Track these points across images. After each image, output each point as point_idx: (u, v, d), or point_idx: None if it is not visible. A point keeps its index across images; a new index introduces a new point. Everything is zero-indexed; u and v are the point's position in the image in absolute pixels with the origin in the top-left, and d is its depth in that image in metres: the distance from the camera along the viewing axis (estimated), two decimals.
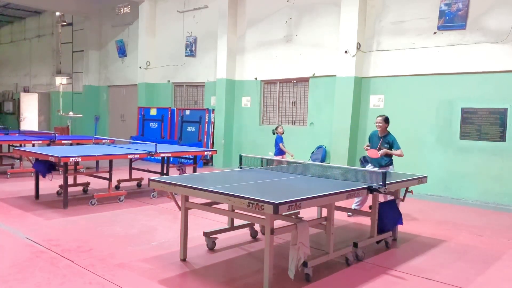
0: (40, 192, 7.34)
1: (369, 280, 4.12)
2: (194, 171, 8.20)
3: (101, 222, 5.87)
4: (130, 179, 8.56)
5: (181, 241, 4.51)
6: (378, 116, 6.59)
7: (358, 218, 6.54)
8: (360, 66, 9.74)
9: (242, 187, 4.35)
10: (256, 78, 12.00)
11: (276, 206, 3.38)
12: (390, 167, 6.40)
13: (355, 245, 4.64)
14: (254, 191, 4.02)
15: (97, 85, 17.31)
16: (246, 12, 12.14)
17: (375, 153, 6.32)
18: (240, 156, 5.86)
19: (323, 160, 10.14)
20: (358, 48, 9.60)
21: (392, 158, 6.48)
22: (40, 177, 7.21)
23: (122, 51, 16.08)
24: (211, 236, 4.92)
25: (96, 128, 17.05)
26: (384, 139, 6.44)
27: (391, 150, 6.39)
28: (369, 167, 6.51)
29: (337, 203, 4.85)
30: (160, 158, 8.15)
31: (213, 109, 12.60)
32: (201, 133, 12.77)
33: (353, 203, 6.55)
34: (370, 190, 4.48)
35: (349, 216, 6.63)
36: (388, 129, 6.55)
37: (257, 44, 11.88)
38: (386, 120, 6.49)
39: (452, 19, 8.48)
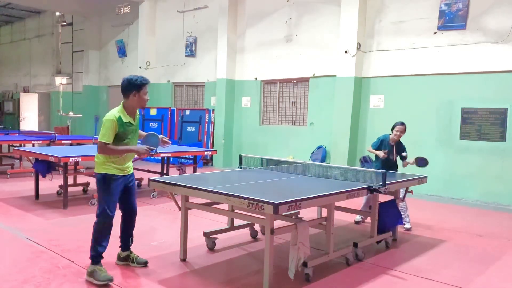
0: (40, 192, 7.33)
1: (369, 280, 4.12)
2: (194, 171, 8.20)
3: None
4: None
5: (181, 241, 4.51)
6: (399, 124, 6.09)
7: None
8: (360, 66, 9.74)
9: (242, 187, 4.35)
10: (256, 78, 12.00)
11: (276, 206, 3.38)
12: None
13: (355, 245, 4.64)
14: (254, 191, 4.02)
15: (97, 85, 17.31)
16: (246, 12, 12.14)
17: (404, 164, 6.13)
18: (240, 156, 5.86)
19: (323, 160, 10.13)
20: (358, 48, 9.59)
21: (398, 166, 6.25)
22: (40, 177, 7.21)
23: (122, 51, 16.07)
24: (211, 236, 4.92)
25: (96, 128, 17.02)
26: (397, 148, 6.13)
27: (407, 159, 6.16)
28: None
29: (339, 204, 4.86)
30: (160, 158, 8.16)
31: (213, 109, 12.60)
32: (201, 133, 12.77)
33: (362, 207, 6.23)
34: (370, 190, 4.48)
35: (356, 222, 6.35)
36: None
37: (257, 44, 11.88)
38: (405, 130, 6.16)
39: (452, 19, 8.48)
